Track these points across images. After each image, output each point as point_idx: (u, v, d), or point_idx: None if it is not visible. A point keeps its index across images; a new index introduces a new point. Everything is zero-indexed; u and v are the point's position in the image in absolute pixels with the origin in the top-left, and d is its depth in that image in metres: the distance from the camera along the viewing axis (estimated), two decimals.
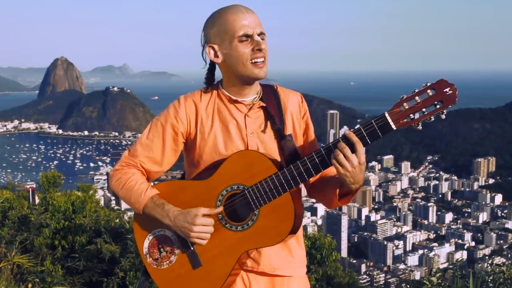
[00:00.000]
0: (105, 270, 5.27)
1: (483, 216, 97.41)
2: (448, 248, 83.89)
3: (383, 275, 70.69)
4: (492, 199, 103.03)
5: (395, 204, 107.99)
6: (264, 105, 2.17)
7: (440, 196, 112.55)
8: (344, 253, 79.14)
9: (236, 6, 2.09)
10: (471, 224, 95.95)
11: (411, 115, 1.88)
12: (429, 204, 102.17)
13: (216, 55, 2.12)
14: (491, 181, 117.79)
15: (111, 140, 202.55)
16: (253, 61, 2.06)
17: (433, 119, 1.87)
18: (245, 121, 2.15)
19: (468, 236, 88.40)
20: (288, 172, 1.99)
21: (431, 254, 79.04)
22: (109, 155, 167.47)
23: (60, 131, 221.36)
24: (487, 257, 73.34)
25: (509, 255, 74.63)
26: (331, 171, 2.15)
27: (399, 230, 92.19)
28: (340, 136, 1.97)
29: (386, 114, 1.89)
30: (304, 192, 2.30)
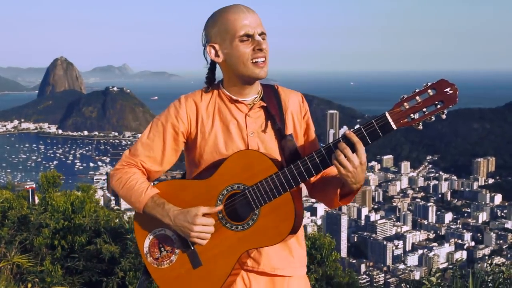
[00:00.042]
0: (104, 270, 5.27)
1: (483, 216, 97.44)
2: (447, 248, 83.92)
3: (383, 275, 70.69)
4: (492, 199, 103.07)
5: (394, 204, 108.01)
6: (265, 105, 2.16)
7: (440, 196, 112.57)
8: (343, 253, 79.16)
9: (237, 6, 2.09)
10: (471, 224, 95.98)
11: (412, 115, 1.87)
12: (428, 204, 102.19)
13: (217, 55, 2.12)
14: (490, 181, 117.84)
15: (111, 140, 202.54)
16: (254, 61, 2.06)
17: (433, 119, 1.86)
18: (245, 121, 2.15)
19: (467, 236, 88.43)
20: (289, 171, 1.99)
21: (430, 254, 79.04)
22: (109, 155, 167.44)
23: (60, 131, 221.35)
24: (486, 257, 73.32)
25: (509, 255, 74.64)
26: (331, 170, 2.15)
27: (398, 230, 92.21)
28: (340, 136, 1.96)
29: (387, 114, 1.89)
30: (304, 192, 2.30)
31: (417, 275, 57.80)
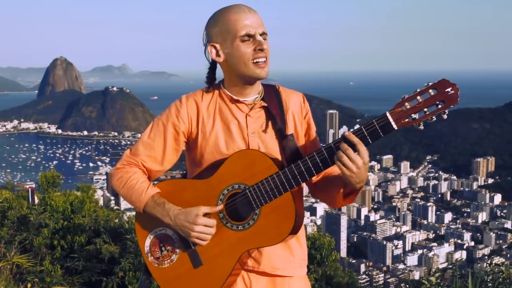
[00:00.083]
0: (104, 270, 5.27)
1: (482, 216, 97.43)
2: (447, 248, 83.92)
3: (383, 275, 70.69)
4: (491, 199, 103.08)
5: (394, 204, 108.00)
6: (266, 105, 2.16)
7: (439, 196, 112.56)
8: (343, 253, 79.16)
9: (238, 6, 2.09)
10: (470, 224, 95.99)
11: (413, 115, 1.86)
12: (428, 204, 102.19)
13: (218, 55, 2.12)
14: (490, 181, 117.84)
15: (111, 140, 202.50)
16: (255, 61, 2.06)
17: (434, 119, 1.85)
18: (246, 121, 2.15)
19: (467, 236, 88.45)
20: (289, 171, 1.99)
21: (430, 254, 79.05)
22: (109, 155, 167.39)
23: (60, 131, 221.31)
24: (486, 257, 73.30)
25: (508, 255, 74.66)
26: (333, 170, 2.15)
27: (398, 230, 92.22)
28: (340, 136, 1.96)
29: (388, 114, 1.88)
30: (305, 191, 2.30)
31: (416, 275, 57.80)
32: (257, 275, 2.17)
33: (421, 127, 1.88)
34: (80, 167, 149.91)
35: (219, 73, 2.23)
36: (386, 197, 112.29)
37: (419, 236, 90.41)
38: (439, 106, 1.83)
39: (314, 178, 2.20)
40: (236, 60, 2.08)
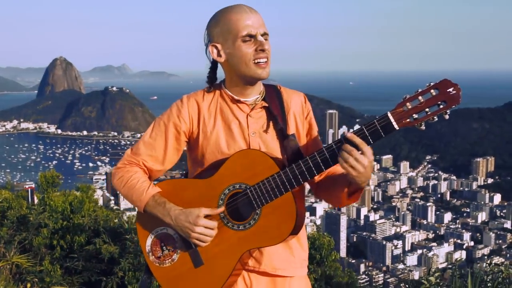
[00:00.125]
0: (104, 270, 5.27)
1: (482, 216, 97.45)
2: (447, 248, 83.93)
3: (382, 275, 70.68)
4: (491, 199, 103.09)
5: (394, 204, 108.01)
6: (267, 105, 2.16)
7: (439, 196, 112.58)
8: (343, 253, 79.18)
9: (240, 6, 2.09)
10: (470, 224, 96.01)
11: (414, 115, 1.86)
12: (428, 204, 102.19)
13: (219, 55, 2.12)
14: (490, 180, 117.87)
15: (110, 140, 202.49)
16: (256, 61, 2.06)
17: (436, 119, 1.84)
18: (247, 121, 2.15)
19: (467, 236, 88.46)
20: (290, 171, 1.98)
21: (430, 254, 79.05)
22: (108, 155, 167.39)
23: (59, 131, 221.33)
24: (486, 257, 73.31)
25: (508, 255, 74.70)
26: (336, 169, 2.15)
27: (398, 230, 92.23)
28: (341, 136, 1.95)
29: (389, 114, 1.87)
30: (306, 192, 2.30)
31: (416, 275, 57.84)
32: (258, 275, 2.17)
33: (423, 127, 1.87)
34: (80, 167, 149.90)
35: (220, 73, 2.23)
36: (385, 197, 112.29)
37: (419, 236, 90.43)
38: (441, 106, 1.82)
39: (317, 178, 2.19)
40: (237, 60, 2.08)
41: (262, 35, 2.07)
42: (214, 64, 2.20)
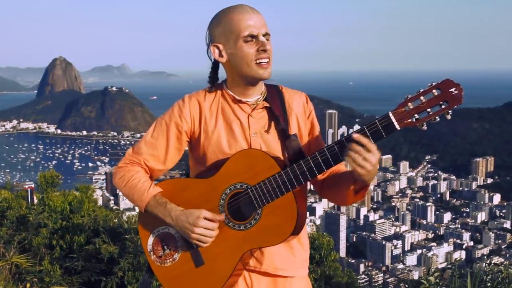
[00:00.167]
0: (103, 270, 5.27)
1: (482, 216, 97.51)
2: (446, 248, 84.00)
3: (382, 275, 70.74)
4: (491, 199, 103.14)
5: (393, 203, 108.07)
6: (268, 105, 2.16)
7: (439, 195, 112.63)
8: (342, 253, 79.22)
9: (242, 6, 2.09)
10: (470, 223, 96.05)
11: (416, 115, 1.85)
12: (427, 204, 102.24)
13: (220, 55, 2.12)
14: (489, 180, 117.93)
15: (110, 140, 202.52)
16: (258, 61, 2.06)
17: (438, 119, 1.84)
18: (248, 121, 2.15)
19: (466, 236, 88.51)
20: (291, 171, 1.98)
21: (429, 254, 79.10)
22: (108, 155, 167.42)
23: (59, 131, 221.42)
24: (485, 257, 73.39)
25: (508, 255, 74.71)
26: (339, 168, 2.15)
27: (397, 229, 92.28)
28: (345, 136, 1.94)
29: (390, 114, 1.87)
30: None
31: (415, 275, 57.90)
32: (259, 275, 2.17)
33: (424, 127, 1.86)
34: (80, 167, 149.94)
35: (222, 73, 2.23)
36: (385, 197, 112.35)
37: (418, 236, 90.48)
38: (443, 107, 1.81)
39: (320, 177, 2.19)
40: (239, 60, 2.08)
41: (263, 35, 2.07)
42: (215, 64, 2.20)
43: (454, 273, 4.58)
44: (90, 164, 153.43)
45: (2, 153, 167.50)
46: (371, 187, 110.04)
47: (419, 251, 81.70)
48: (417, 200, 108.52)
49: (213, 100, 2.19)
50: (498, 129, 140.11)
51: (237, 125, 2.14)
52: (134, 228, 5.47)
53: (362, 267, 74.13)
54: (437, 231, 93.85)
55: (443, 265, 70.39)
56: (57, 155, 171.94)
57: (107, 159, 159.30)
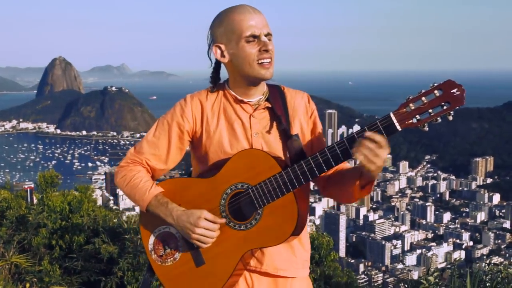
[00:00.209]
0: (103, 270, 5.27)
1: (481, 216, 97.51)
2: (446, 247, 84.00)
3: (381, 274, 70.75)
4: (490, 199, 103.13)
5: (393, 203, 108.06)
6: (270, 105, 2.16)
7: (438, 195, 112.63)
8: (342, 252, 79.19)
9: (243, 6, 2.09)
10: (469, 223, 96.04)
11: (417, 116, 1.84)
12: (427, 204, 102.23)
13: (222, 55, 2.12)
14: (489, 180, 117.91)
15: (109, 140, 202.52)
16: (260, 61, 2.06)
17: (440, 120, 1.83)
18: (250, 122, 2.15)
19: (466, 235, 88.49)
20: (292, 171, 1.98)
21: (429, 254, 79.10)
22: (107, 155, 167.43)
23: (58, 131, 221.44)
24: (485, 257, 73.40)
25: (507, 255, 74.70)
26: (341, 166, 2.14)
27: (397, 229, 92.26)
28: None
29: (391, 115, 1.86)
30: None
31: (415, 275, 57.90)
32: (260, 276, 2.16)
33: (426, 128, 1.85)
34: (79, 167, 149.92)
35: (223, 74, 2.23)
36: (385, 197, 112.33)
37: (418, 236, 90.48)
38: (445, 107, 1.80)
39: (322, 175, 2.18)
40: (241, 60, 2.07)
41: (265, 36, 2.07)
42: (217, 65, 2.20)
43: (454, 273, 4.58)
44: (90, 164, 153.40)
45: (2, 153, 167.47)
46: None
47: (418, 251, 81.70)
48: (417, 200, 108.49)
49: (215, 100, 2.19)
50: (497, 129, 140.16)
51: (239, 125, 2.14)
52: (133, 228, 5.47)
53: (361, 267, 74.13)
54: (436, 231, 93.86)
55: (443, 265, 70.40)
56: (56, 155, 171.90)
57: (107, 159, 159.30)
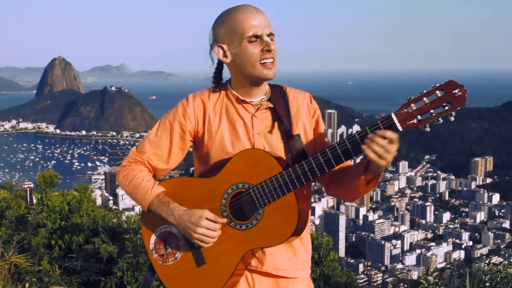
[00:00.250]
0: (102, 270, 5.26)
1: (481, 216, 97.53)
2: (445, 247, 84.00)
3: (381, 274, 70.76)
4: (490, 199, 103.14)
5: (392, 203, 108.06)
6: (272, 106, 2.16)
7: (438, 195, 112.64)
8: (341, 252, 79.16)
9: (245, 6, 2.09)
10: (469, 223, 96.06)
11: (419, 116, 1.83)
12: (426, 204, 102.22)
13: (225, 55, 2.12)
14: (488, 180, 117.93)
15: (109, 140, 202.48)
16: (262, 61, 2.06)
17: (441, 121, 1.82)
18: (252, 122, 2.15)
19: (465, 235, 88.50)
20: (293, 171, 1.98)
21: (428, 254, 79.08)
22: (107, 154, 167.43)
23: (58, 131, 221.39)
24: (484, 257, 73.39)
25: (507, 255, 74.71)
26: (344, 164, 2.13)
27: (396, 229, 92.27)
28: (346, 136, 1.92)
29: (393, 115, 1.85)
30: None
31: (415, 275, 57.91)
32: (260, 276, 2.16)
33: (427, 129, 1.84)
34: (79, 167, 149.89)
35: (225, 74, 2.23)
36: (384, 197, 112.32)
37: (418, 235, 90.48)
38: (446, 108, 1.80)
39: (327, 176, 2.17)
40: (244, 60, 2.07)
41: (268, 36, 2.07)
42: (219, 65, 2.20)
43: (453, 273, 4.58)
44: (89, 164, 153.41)
45: (1, 153, 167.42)
46: None
47: (418, 251, 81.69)
48: (416, 200, 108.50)
49: (217, 100, 2.19)
50: (497, 128, 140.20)
51: (241, 125, 2.14)
52: (133, 228, 5.47)
53: (361, 267, 74.12)
54: (436, 231, 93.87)
55: (442, 265, 70.37)
56: (56, 155, 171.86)
57: (106, 159, 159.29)
